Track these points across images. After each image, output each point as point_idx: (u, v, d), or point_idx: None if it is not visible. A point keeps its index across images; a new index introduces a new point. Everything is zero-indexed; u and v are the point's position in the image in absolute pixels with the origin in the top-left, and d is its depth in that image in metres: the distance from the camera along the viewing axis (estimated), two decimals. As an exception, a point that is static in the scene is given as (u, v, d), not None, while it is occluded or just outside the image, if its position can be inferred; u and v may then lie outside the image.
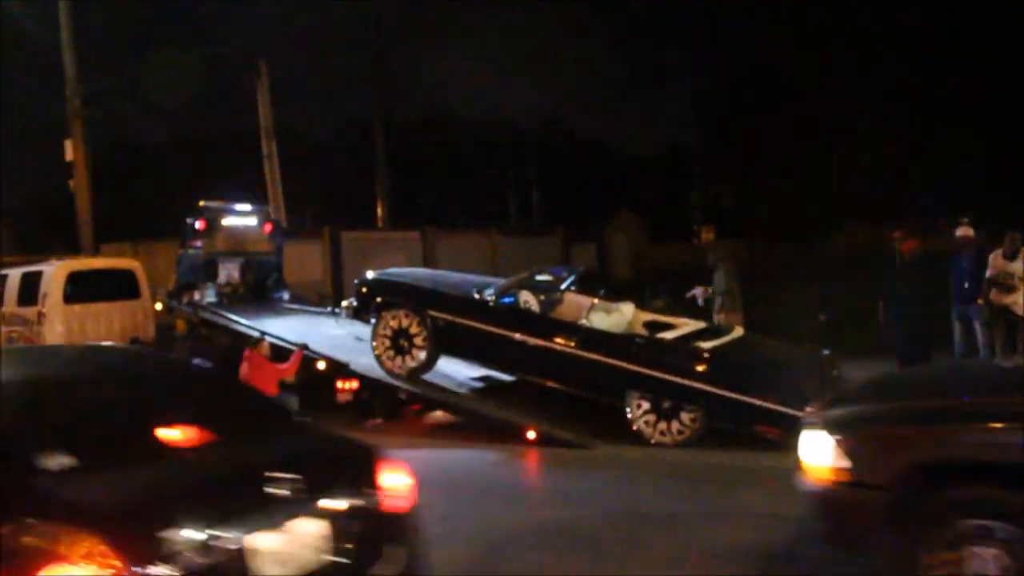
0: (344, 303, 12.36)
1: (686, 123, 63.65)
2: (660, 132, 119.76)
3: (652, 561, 5.79)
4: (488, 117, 61.51)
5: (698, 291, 11.85)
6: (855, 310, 16.72)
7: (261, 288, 14.18)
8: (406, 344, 10.52)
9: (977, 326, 11.06)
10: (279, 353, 10.84)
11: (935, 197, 32.81)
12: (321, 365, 10.81)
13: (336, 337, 11.83)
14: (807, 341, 13.75)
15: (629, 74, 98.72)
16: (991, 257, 10.82)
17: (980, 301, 10.98)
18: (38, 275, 14.17)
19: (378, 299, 10.86)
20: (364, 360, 10.76)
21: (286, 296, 14.36)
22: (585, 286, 11.61)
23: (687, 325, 10.10)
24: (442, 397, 10.63)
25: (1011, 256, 10.62)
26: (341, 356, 10.89)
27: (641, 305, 11.43)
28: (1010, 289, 10.52)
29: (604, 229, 42.20)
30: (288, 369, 10.49)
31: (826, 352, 11.40)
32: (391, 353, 10.60)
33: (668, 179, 58.06)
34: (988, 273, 10.70)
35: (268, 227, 14.40)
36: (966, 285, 11.14)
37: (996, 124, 35.53)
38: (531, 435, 9.37)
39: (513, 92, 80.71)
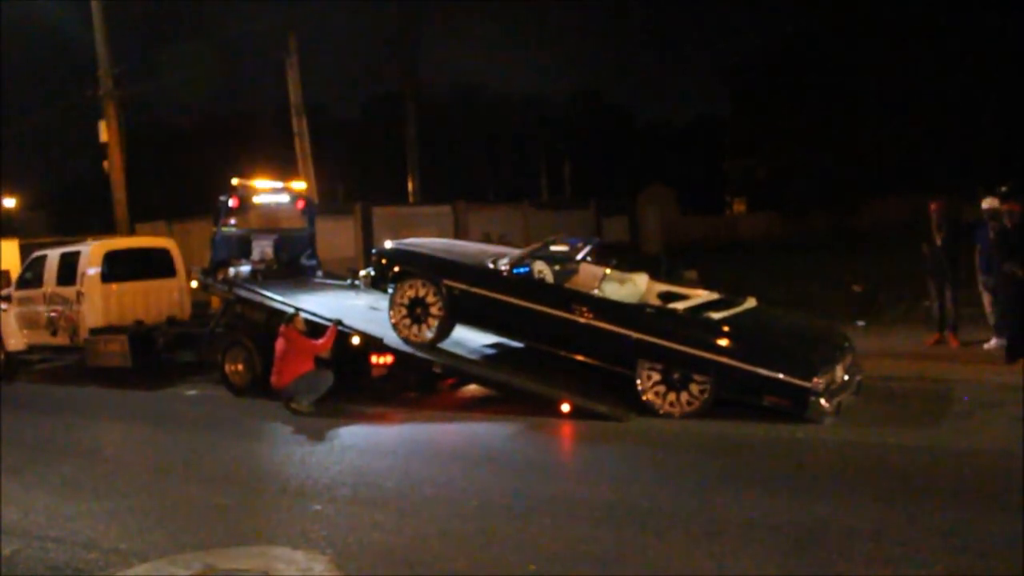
0: (362, 273, 12.44)
1: (718, 95, 63.14)
2: (691, 104, 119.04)
3: (690, 533, 5.81)
4: (519, 91, 61.28)
5: None
6: (888, 281, 16.64)
7: (295, 265, 14.29)
8: (422, 313, 10.59)
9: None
10: (314, 329, 10.95)
11: (970, 167, 32.31)
12: (355, 340, 10.89)
13: (369, 312, 11.91)
14: (841, 312, 13.74)
15: (660, 46, 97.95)
16: None
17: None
18: (76, 255, 14.39)
19: (395, 269, 10.93)
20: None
21: (319, 272, 14.47)
22: (600, 257, 11.57)
23: (700, 296, 10.05)
24: (476, 371, 10.64)
25: None
26: (375, 331, 10.96)
27: (673, 279, 11.42)
28: None
29: (636, 202, 42.03)
30: (323, 345, 10.60)
31: (859, 323, 11.26)
32: (407, 322, 10.69)
33: (700, 151, 57.62)
34: None
35: (300, 204, 14.47)
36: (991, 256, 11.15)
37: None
38: (565, 408, 9.39)
39: (544, 66, 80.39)
